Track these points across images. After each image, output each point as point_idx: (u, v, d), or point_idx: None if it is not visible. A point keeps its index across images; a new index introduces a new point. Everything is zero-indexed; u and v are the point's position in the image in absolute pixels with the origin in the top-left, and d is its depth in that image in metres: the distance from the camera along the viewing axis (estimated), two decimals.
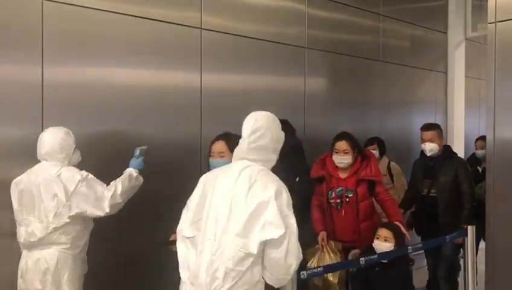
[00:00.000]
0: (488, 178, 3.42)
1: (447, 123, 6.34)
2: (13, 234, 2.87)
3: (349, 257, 3.45)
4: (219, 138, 2.94)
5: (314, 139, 4.51)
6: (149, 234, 3.40)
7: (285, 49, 4.53)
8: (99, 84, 3.42)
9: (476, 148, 5.10)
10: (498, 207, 3.35)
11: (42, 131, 2.93)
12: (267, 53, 4.39)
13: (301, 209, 2.89)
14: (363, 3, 5.25)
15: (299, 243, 2.11)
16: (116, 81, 3.50)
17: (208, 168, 2.86)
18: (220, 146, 2.88)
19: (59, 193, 2.73)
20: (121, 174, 3.02)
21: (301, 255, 2.14)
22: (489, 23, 3.36)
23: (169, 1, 3.75)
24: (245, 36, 4.21)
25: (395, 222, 3.44)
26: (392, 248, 3.24)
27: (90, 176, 2.85)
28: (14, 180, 2.84)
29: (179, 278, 2.25)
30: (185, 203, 2.31)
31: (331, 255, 3.46)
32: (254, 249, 2.03)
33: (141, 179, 3.10)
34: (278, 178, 2.19)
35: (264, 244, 2.05)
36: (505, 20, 3.28)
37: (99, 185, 2.86)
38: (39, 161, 2.87)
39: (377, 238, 3.31)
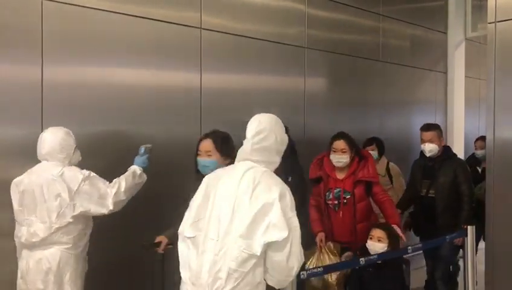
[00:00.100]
0: (488, 178, 3.42)
1: (447, 123, 6.34)
2: (13, 234, 2.88)
3: (342, 259, 3.44)
4: (206, 136, 2.89)
5: (314, 139, 4.51)
6: (149, 234, 3.39)
7: (285, 49, 4.54)
8: (99, 84, 3.42)
9: (476, 149, 5.10)
10: (498, 207, 3.35)
11: (42, 131, 2.93)
12: (267, 53, 4.39)
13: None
14: (363, 3, 5.25)
15: (301, 246, 2.11)
16: (116, 81, 3.50)
17: (196, 167, 2.85)
18: (207, 145, 2.83)
19: (62, 193, 2.74)
20: (122, 173, 3.03)
21: (303, 258, 2.15)
22: (489, 23, 3.36)
23: (169, 1, 3.75)
24: (245, 36, 4.21)
25: (393, 225, 3.44)
26: (386, 248, 3.23)
27: (93, 174, 2.86)
28: (14, 181, 2.84)
29: (180, 278, 2.25)
30: (185, 203, 2.31)
31: (331, 256, 3.45)
32: (257, 250, 2.03)
33: (145, 177, 3.12)
34: (281, 180, 2.19)
35: (267, 246, 2.05)
36: (505, 20, 3.28)
37: (101, 183, 2.87)
38: (39, 161, 2.87)
39: (371, 238, 3.30)
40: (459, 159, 4.27)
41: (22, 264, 2.84)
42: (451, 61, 6.37)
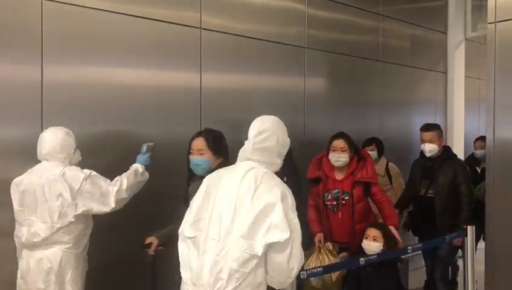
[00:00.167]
0: (488, 178, 3.42)
1: (447, 123, 6.34)
2: (13, 234, 2.88)
3: (338, 260, 3.44)
4: (199, 134, 2.86)
5: (314, 140, 4.51)
6: (149, 234, 3.39)
7: (285, 49, 4.54)
8: (99, 84, 3.42)
9: (475, 148, 5.10)
10: (498, 207, 3.35)
11: (42, 131, 2.93)
12: (267, 53, 4.39)
13: None
14: (363, 3, 5.25)
15: (301, 247, 2.12)
16: (116, 81, 3.50)
17: (188, 165, 2.82)
18: (199, 143, 2.79)
19: (64, 193, 2.74)
20: (122, 173, 3.03)
21: (303, 259, 2.15)
22: (489, 23, 3.36)
23: (169, 1, 3.75)
24: (245, 36, 4.21)
25: (390, 226, 3.43)
26: (381, 247, 3.23)
27: (94, 173, 2.87)
28: (14, 181, 2.84)
29: (180, 278, 2.25)
30: (185, 203, 2.31)
31: (330, 257, 3.45)
32: (259, 250, 2.03)
33: (147, 175, 3.13)
34: (281, 181, 2.20)
35: (268, 247, 2.05)
36: (505, 20, 3.28)
37: (103, 181, 2.88)
38: (39, 161, 2.87)
39: (366, 238, 3.30)
40: (459, 159, 4.27)
41: (22, 264, 2.83)
42: (451, 61, 6.37)
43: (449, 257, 4.13)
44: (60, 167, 2.80)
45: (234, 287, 2.03)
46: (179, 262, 2.24)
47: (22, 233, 2.79)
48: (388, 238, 3.29)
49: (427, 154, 4.01)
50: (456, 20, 6.33)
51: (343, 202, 3.52)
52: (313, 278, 3.25)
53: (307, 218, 3.66)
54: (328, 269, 3.11)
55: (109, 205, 2.86)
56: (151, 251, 2.92)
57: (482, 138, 4.67)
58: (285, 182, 2.24)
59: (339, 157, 3.55)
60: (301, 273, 2.52)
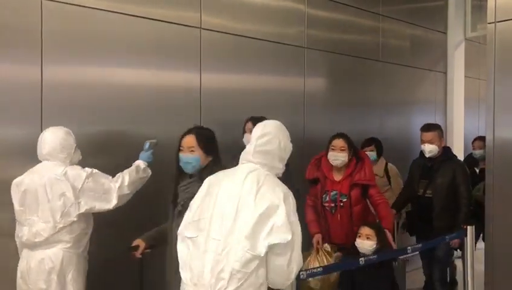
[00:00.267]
0: (488, 178, 3.42)
1: (447, 123, 6.34)
2: (13, 234, 2.88)
3: (332, 261, 3.43)
4: (189, 131, 2.76)
5: (313, 140, 4.51)
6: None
7: (285, 49, 4.53)
8: (99, 84, 3.42)
9: (473, 149, 5.08)
10: (498, 207, 3.35)
11: (42, 131, 2.93)
12: (267, 53, 4.39)
13: None
14: (363, 3, 5.25)
15: (300, 250, 2.13)
16: (116, 81, 3.50)
17: (177, 163, 2.73)
18: (189, 140, 2.70)
19: (67, 192, 2.75)
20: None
21: (302, 262, 2.16)
22: (489, 23, 3.36)
23: (169, 1, 3.75)
24: (245, 36, 4.21)
25: (384, 228, 3.42)
26: (375, 245, 3.23)
27: (95, 171, 2.88)
28: (15, 181, 2.83)
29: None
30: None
31: (328, 258, 3.44)
32: (261, 251, 2.03)
33: (149, 171, 3.13)
34: (282, 183, 2.21)
35: (269, 249, 2.05)
36: (505, 20, 3.29)
37: (104, 179, 2.89)
38: (39, 161, 2.87)
39: (359, 236, 3.30)
40: (459, 160, 4.26)
41: (21, 264, 2.83)
42: (451, 61, 6.37)
43: (446, 257, 4.12)
44: (61, 167, 2.80)
45: (236, 287, 2.03)
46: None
47: (23, 233, 2.79)
48: (381, 236, 3.29)
49: (427, 155, 4.00)
50: (456, 20, 6.33)
51: (341, 204, 3.52)
52: (311, 279, 3.25)
53: (305, 219, 3.66)
54: (328, 269, 3.10)
55: (111, 201, 2.87)
56: (138, 254, 2.87)
57: (480, 138, 4.67)
58: None
59: (337, 156, 3.54)
60: (301, 273, 2.53)
